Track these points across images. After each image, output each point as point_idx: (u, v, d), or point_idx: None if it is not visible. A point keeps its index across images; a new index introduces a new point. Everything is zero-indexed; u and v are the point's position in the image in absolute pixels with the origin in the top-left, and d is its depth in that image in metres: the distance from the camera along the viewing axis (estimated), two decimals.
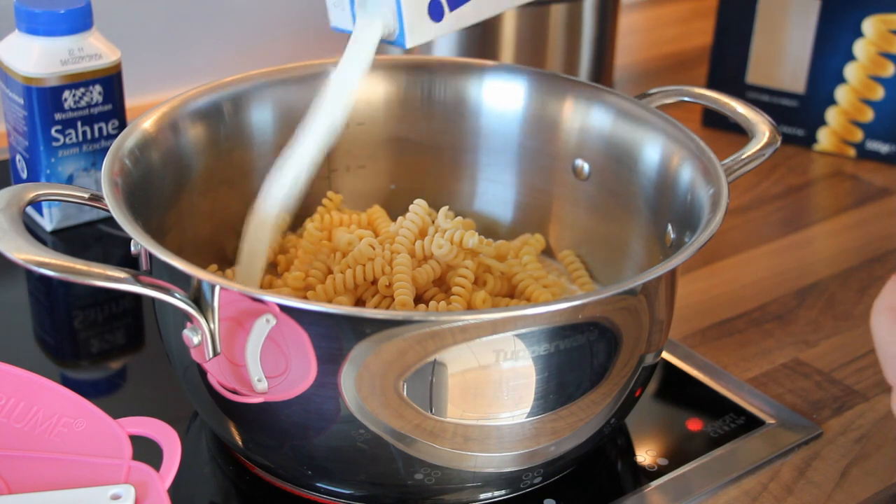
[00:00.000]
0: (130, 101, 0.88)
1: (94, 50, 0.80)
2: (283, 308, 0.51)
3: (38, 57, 0.79)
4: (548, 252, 0.75)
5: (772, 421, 0.67)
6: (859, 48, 0.97)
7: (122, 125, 0.83)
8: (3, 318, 0.76)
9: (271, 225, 0.64)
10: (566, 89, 0.72)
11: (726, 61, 1.03)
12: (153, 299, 0.58)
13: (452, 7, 0.64)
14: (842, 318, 0.78)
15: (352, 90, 0.65)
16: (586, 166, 0.72)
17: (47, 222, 0.83)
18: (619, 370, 0.57)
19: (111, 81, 0.81)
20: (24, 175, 0.83)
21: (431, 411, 0.54)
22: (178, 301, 0.53)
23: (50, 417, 0.54)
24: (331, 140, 0.64)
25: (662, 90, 0.71)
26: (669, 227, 0.65)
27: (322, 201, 0.73)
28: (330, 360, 0.52)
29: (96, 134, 0.82)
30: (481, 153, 0.75)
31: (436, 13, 0.63)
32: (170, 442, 0.53)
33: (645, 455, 0.64)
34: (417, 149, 0.76)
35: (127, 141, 0.63)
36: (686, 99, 0.71)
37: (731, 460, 0.64)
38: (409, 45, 0.64)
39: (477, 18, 0.66)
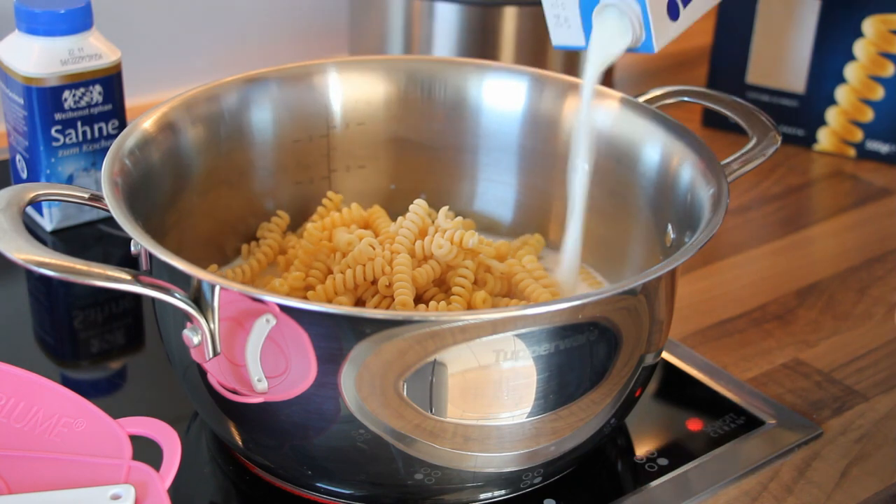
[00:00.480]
0: (130, 101, 0.88)
1: (94, 50, 0.80)
2: (283, 308, 0.51)
3: (38, 57, 0.79)
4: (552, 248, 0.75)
5: (772, 421, 0.67)
6: (859, 48, 0.97)
7: (122, 125, 0.83)
8: (3, 318, 0.76)
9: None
10: (566, 89, 0.72)
11: (726, 61, 1.03)
12: (153, 299, 0.58)
13: (685, 4, 0.64)
14: (842, 318, 0.78)
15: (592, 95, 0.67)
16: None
17: (47, 222, 0.83)
18: (619, 370, 0.57)
19: (111, 81, 0.81)
20: (24, 175, 0.83)
21: (431, 411, 0.54)
22: (178, 301, 0.53)
23: (50, 417, 0.54)
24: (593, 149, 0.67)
25: (662, 90, 0.71)
26: (669, 227, 0.65)
27: (322, 201, 0.73)
28: (330, 360, 0.52)
29: (96, 134, 0.82)
30: (481, 153, 0.75)
31: (673, 12, 0.63)
32: (170, 442, 0.53)
33: (645, 455, 0.64)
34: (417, 149, 0.76)
35: (127, 141, 0.63)
36: (686, 99, 0.71)
37: (731, 460, 0.64)
38: (657, 48, 0.64)
39: (706, 8, 0.66)
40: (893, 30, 0.96)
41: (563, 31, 0.66)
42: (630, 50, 0.64)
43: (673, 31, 0.64)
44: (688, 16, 0.64)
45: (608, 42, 0.64)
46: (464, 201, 0.76)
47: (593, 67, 0.66)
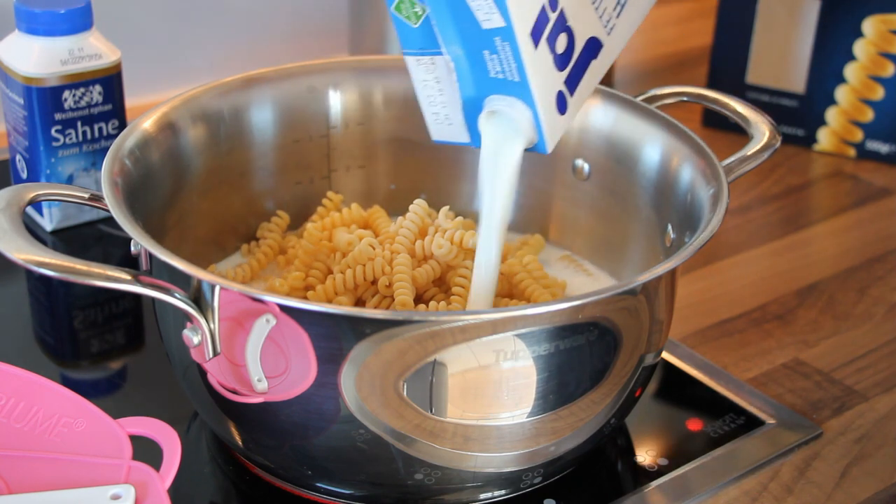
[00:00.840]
0: (130, 101, 0.88)
1: (94, 50, 0.80)
2: (283, 308, 0.51)
3: (38, 57, 0.79)
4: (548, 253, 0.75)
5: (772, 421, 0.67)
6: (859, 48, 0.97)
7: (122, 125, 0.83)
8: (3, 318, 0.76)
9: None
10: None
11: (726, 61, 1.03)
12: (153, 299, 0.58)
13: (571, 91, 0.61)
14: (842, 318, 0.78)
15: (506, 211, 0.62)
16: (586, 166, 0.72)
17: (47, 222, 0.83)
18: (619, 370, 0.57)
19: (111, 81, 0.81)
20: (24, 175, 0.83)
21: (431, 411, 0.54)
22: (178, 301, 0.53)
23: (50, 417, 0.54)
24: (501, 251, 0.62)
25: (662, 90, 0.71)
26: (669, 227, 0.65)
27: (322, 201, 0.73)
28: (330, 360, 0.52)
29: (96, 134, 0.82)
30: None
31: (562, 105, 0.61)
32: (170, 442, 0.53)
33: (645, 455, 0.64)
34: (417, 149, 0.76)
35: (127, 141, 0.63)
36: (686, 99, 0.71)
37: (731, 460, 0.64)
38: (549, 149, 0.61)
39: (588, 93, 0.63)
40: (893, 30, 0.96)
41: (443, 128, 0.63)
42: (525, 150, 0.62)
43: (563, 126, 0.62)
44: (575, 104, 0.62)
45: (503, 150, 0.61)
46: (464, 201, 0.76)
47: (506, 183, 0.62)
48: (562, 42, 0.59)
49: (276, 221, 0.73)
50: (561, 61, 0.60)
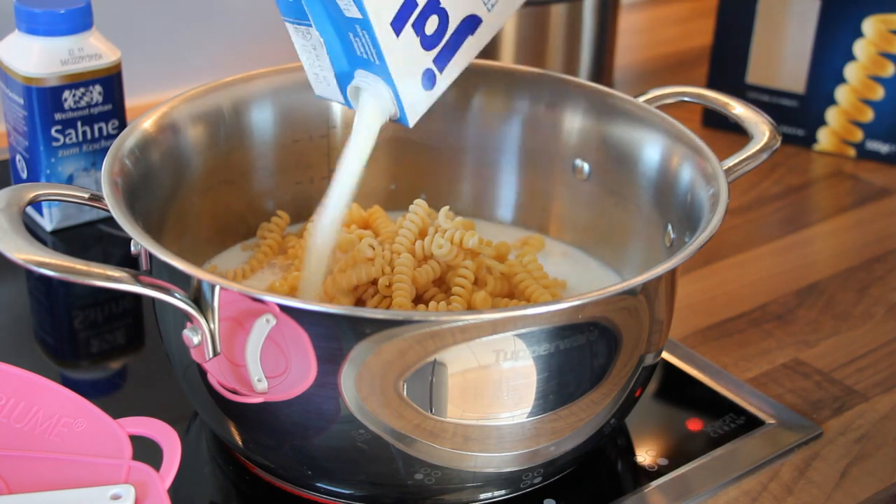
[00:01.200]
0: (130, 101, 0.88)
1: (94, 50, 0.80)
2: (283, 308, 0.51)
3: (38, 57, 0.79)
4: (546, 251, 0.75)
5: (772, 421, 0.67)
6: (859, 48, 0.97)
7: (122, 125, 0.83)
8: (3, 318, 0.76)
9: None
10: (566, 89, 0.72)
11: (726, 61, 1.03)
12: (153, 299, 0.58)
13: (441, 68, 0.63)
14: (842, 318, 0.78)
15: (356, 177, 0.65)
16: (586, 166, 0.72)
17: (47, 222, 0.83)
18: (619, 370, 0.57)
19: (111, 81, 0.81)
20: (24, 175, 0.83)
21: (431, 411, 0.54)
22: (178, 301, 0.53)
23: (50, 417, 0.54)
24: (341, 219, 0.64)
25: (662, 90, 0.71)
26: (669, 227, 0.65)
27: (322, 201, 0.73)
28: (330, 360, 0.52)
29: (96, 134, 0.82)
30: (481, 153, 0.75)
31: (429, 82, 0.63)
32: (170, 442, 0.53)
33: (645, 455, 0.64)
34: (417, 149, 0.76)
35: (127, 141, 0.63)
36: (686, 99, 0.71)
37: (731, 460, 0.64)
38: (412, 123, 0.64)
39: (462, 66, 0.65)
40: (893, 30, 0.96)
41: (323, 86, 0.66)
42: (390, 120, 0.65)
43: (428, 102, 0.64)
44: (445, 79, 0.64)
45: (365, 122, 0.64)
46: (464, 201, 0.76)
47: (358, 149, 0.64)
48: (432, 24, 0.61)
49: (276, 221, 0.73)
50: (430, 42, 0.62)
